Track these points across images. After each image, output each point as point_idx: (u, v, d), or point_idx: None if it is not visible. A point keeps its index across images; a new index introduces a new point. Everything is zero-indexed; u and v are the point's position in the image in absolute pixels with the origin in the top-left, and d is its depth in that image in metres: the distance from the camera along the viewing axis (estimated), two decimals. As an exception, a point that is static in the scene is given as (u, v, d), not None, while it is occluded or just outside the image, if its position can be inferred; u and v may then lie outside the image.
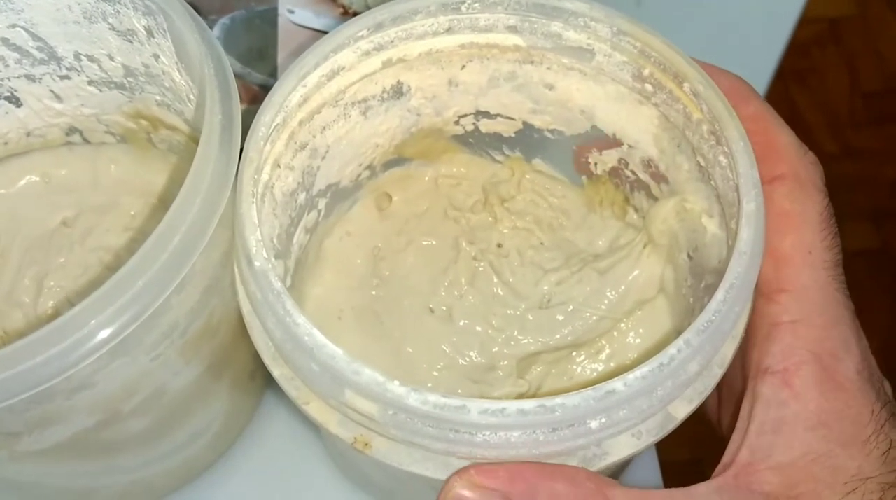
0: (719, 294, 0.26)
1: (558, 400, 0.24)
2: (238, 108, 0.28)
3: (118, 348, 0.25)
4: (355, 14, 0.48)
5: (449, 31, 0.33)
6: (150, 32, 0.32)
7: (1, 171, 0.39)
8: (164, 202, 0.39)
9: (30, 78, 0.36)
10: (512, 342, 0.37)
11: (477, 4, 0.32)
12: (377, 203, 0.39)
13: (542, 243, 0.39)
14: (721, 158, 0.30)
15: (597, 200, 0.39)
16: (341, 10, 0.48)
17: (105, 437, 0.30)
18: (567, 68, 0.35)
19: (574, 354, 0.37)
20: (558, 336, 0.37)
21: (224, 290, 0.30)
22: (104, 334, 0.24)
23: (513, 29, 0.33)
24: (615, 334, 0.37)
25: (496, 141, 0.39)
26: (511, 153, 0.39)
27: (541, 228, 0.39)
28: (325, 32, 0.48)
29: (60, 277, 0.38)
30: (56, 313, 0.37)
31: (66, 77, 0.36)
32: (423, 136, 0.38)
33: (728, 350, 0.28)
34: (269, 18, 0.48)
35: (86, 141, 0.40)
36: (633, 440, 0.27)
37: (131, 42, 0.34)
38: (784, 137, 0.30)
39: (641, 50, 0.32)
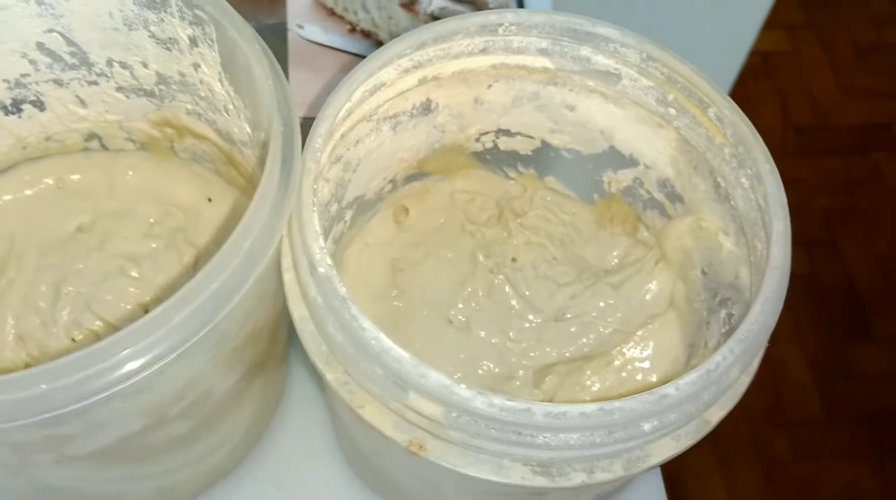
0: (756, 306, 0.28)
1: (617, 404, 0.25)
2: (297, 118, 0.29)
3: (182, 353, 0.26)
4: (363, 31, 0.49)
5: (483, 51, 0.35)
6: (193, 42, 0.33)
7: (17, 174, 0.39)
8: (185, 211, 0.40)
9: (58, 82, 0.36)
10: (529, 353, 0.38)
11: (514, 27, 0.34)
12: (395, 216, 0.40)
13: (554, 258, 0.40)
14: (743, 180, 0.32)
15: (607, 217, 0.41)
16: (349, 26, 0.49)
17: (147, 441, 0.30)
18: (589, 90, 0.36)
19: (586, 365, 0.38)
20: (573, 348, 0.39)
21: (268, 295, 0.31)
22: (174, 340, 0.25)
23: (544, 52, 0.35)
24: (627, 346, 0.38)
25: (512, 158, 0.40)
26: (525, 170, 0.41)
27: (553, 243, 0.41)
28: (332, 48, 0.49)
29: (78, 283, 0.38)
30: (74, 320, 0.37)
31: (95, 83, 0.36)
32: (445, 151, 0.39)
33: (756, 360, 0.30)
34: (279, 32, 0.48)
35: (104, 147, 0.40)
36: (673, 443, 0.28)
37: (170, 50, 0.34)
38: None
39: (668, 76, 0.34)
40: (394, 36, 0.50)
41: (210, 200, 0.40)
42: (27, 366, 0.36)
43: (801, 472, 0.98)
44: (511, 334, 0.39)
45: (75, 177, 0.40)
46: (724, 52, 0.95)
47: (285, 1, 0.49)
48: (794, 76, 1.38)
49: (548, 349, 0.38)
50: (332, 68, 0.48)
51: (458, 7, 0.51)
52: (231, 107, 0.34)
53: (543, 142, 0.39)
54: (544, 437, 0.25)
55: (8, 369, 0.36)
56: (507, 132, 0.39)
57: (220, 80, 0.33)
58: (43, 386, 0.23)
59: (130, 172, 0.40)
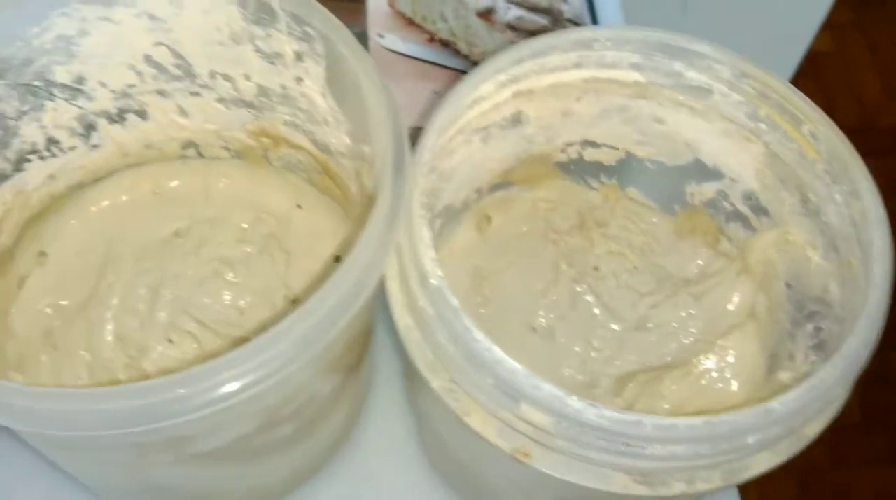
0: (861, 322, 0.28)
1: (724, 417, 0.26)
2: (406, 132, 0.30)
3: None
4: (442, 41, 0.50)
5: (577, 66, 0.36)
6: (299, 57, 0.34)
7: (116, 181, 0.40)
8: (276, 218, 0.41)
9: (161, 93, 0.37)
10: (611, 362, 0.39)
11: (609, 42, 0.35)
12: (478, 225, 0.41)
13: (635, 267, 0.41)
14: (837, 195, 0.33)
15: (688, 228, 0.41)
16: (428, 36, 0.50)
17: (255, 442, 0.31)
18: (678, 104, 0.37)
19: (666, 375, 0.39)
20: (654, 357, 0.39)
21: (370, 303, 0.32)
22: (298, 351, 0.26)
23: (636, 66, 0.36)
24: (706, 356, 0.39)
25: (595, 169, 0.41)
26: (607, 181, 0.42)
27: (634, 252, 0.41)
28: (411, 58, 0.50)
29: (175, 286, 0.39)
30: (171, 322, 0.38)
31: (197, 94, 0.38)
32: (531, 161, 0.40)
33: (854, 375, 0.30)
34: (360, 41, 0.49)
35: (200, 155, 0.41)
36: (772, 455, 0.29)
37: (274, 64, 0.35)
38: None
39: (761, 92, 0.34)
40: (472, 46, 0.51)
41: (300, 207, 0.41)
42: (126, 366, 0.38)
43: (836, 480, 0.98)
44: (594, 342, 0.39)
45: (172, 184, 0.41)
46: (780, 54, 0.95)
47: (366, 11, 0.50)
48: (841, 77, 1.37)
49: (630, 358, 0.39)
50: (412, 76, 0.49)
51: (535, 17, 0.52)
52: (331, 119, 0.35)
53: (628, 153, 0.40)
54: (652, 448, 0.26)
55: (107, 368, 0.38)
56: (592, 143, 0.40)
57: (323, 94, 0.34)
58: (181, 391, 0.24)
59: (225, 180, 0.41)
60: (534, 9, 0.52)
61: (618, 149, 0.40)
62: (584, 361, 0.39)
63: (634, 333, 0.39)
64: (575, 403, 0.26)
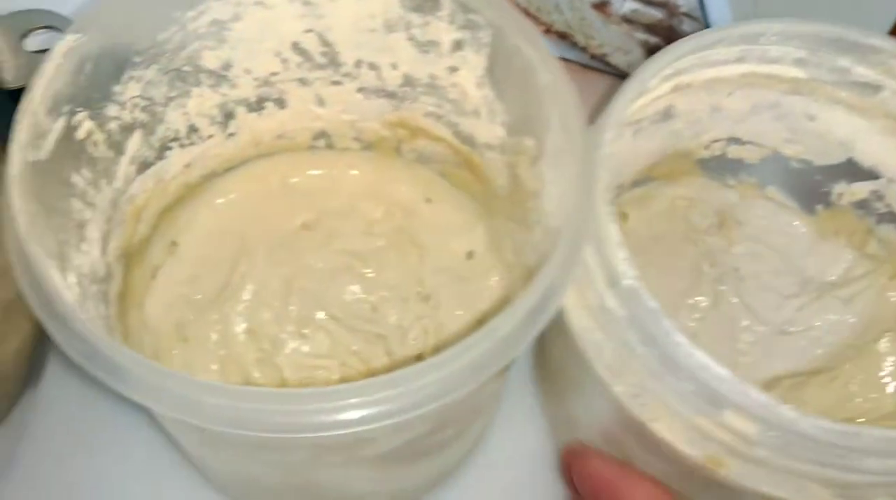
0: None
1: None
2: (585, 127, 0.29)
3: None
4: (558, 33, 0.49)
5: (739, 60, 0.34)
6: (457, 45, 0.33)
7: (247, 171, 0.39)
8: (404, 210, 0.40)
9: (302, 82, 0.36)
10: (757, 366, 0.38)
11: (775, 37, 0.33)
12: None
13: (776, 269, 0.40)
14: None
15: (831, 229, 0.40)
16: (544, 27, 0.49)
17: (421, 444, 0.30)
18: (835, 101, 0.36)
19: (810, 380, 0.37)
20: (801, 362, 0.38)
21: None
22: (496, 358, 0.25)
23: (799, 62, 0.34)
24: (855, 362, 0.38)
25: (736, 166, 0.40)
26: (747, 179, 0.40)
27: (774, 253, 0.40)
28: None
29: (308, 279, 0.38)
30: (305, 315, 0.37)
31: (338, 83, 0.37)
32: (674, 157, 0.39)
33: None
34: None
35: (329, 146, 0.40)
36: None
37: (427, 53, 0.34)
38: None
39: (937, 90, 0.33)
40: (589, 38, 0.50)
41: (429, 200, 0.40)
42: (258, 361, 0.37)
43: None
44: (739, 345, 0.38)
45: (300, 175, 0.40)
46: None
47: (481, 0, 0.49)
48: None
49: (775, 362, 0.38)
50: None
51: (650, 10, 0.50)
52: (484, 110, 0.34)
53: (774, 151, 0.39)
54: (868, 462, 0.25)
55: (239, 363, 0.37)
56: (738, 140, 0.38)
57: (479, 84, 0.33)
58: (400, 389, 0.23)
59: (353, 171, 0.40)
60: (649, 2, 0.51)
61: (763, 146, 0.39)
62: (730, 365, 0.38)
63: (780, 337, 0.38)
64: (787, 412, 0.25)
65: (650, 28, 0.50)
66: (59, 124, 0.28)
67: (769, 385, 0.37)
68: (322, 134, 0.39)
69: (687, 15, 0.51)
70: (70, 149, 0.29)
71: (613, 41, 0.49)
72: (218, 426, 0.24)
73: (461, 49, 0.33)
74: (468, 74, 0.34)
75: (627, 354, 0.27)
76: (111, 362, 0.23)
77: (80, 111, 0.29)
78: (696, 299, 0.39)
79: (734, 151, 0.39)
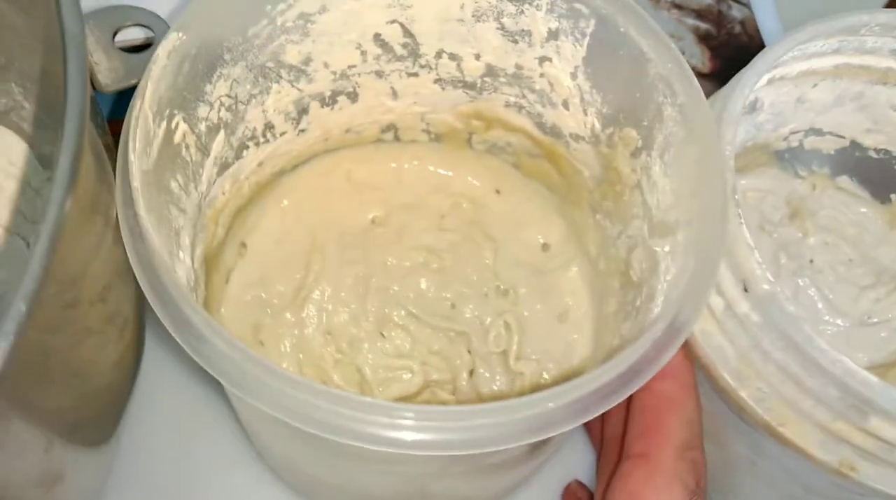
0: None
1: None
2: (710, 116, 0.28)
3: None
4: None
5: (836, 51, 0.34)
6: (553, 35, 0.32)
7: (313, 167, 0.38)
8: (473, 202, 0.39)
9: (378, 74, 0.35)
10: (839, 358, 0.38)
11: (878, 27, 0.33)
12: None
13: (850, 260, 0.40)
14: None
15: (903, 219, 0.40)
16: None
17: (532, 451, 0.29)
18: (921, 91, 0.35)
19: (889, 372, 0.37)
20: (882, 354, 0.38)
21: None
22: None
23: (895, 52, 0.34)
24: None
25: (810, 157, 0.39)
26: (818, 170, 0.40)
27: (847, 243, 0.40)
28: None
29: (384, 277, 0.37)
30: (383, 315, 0.36)
31: (414, 75, 0.35)
32: (753, 149, 0.38)
33: None
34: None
35: (397, 139, 0.39)
36: None
37: (516, 43, 0.33)
38: (674, 425, 0.28)
39: None
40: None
41: (499, 192, 0.39)
42: (337, 363, 0.36)
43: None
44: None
45: (365, 169, 0.39)
46: None
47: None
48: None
49: (858, 355, 0.38)
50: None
51: (699, -8, 0.50)
52: (577, 101, 0.33)
53: (853, 142, 0.38)
54: None
55: (317, 366, 0.35)
56: (818, 132, 0.38)
57: (574, 74, 0.32)
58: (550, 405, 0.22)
59: (417, 163, 0.39)
60: (696, -15, 0.50)
61: (843, 137, 0.38)
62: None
63: (860, 329, 0.38)
64: (938, 418, 0.24)
65: (700, 14, 0.50)
66: (162, 129, 0.26)
67: (849, 377, 0.37)
68: (391, 127, 0.38)
69: (736, 0, 0.50)
70: (169, 154, 0.27)
71: (665, 27, 0.48)
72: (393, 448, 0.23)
73: (556, 39, 0.32)
74: (561, 65, 0.32)
75: (759, 359, 0.27)
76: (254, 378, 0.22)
77: (178, 114, 0.27)
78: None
79: (811, 142, 0.38)
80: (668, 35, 0.48)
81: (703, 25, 0.49)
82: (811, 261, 0.39)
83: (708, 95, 0.29)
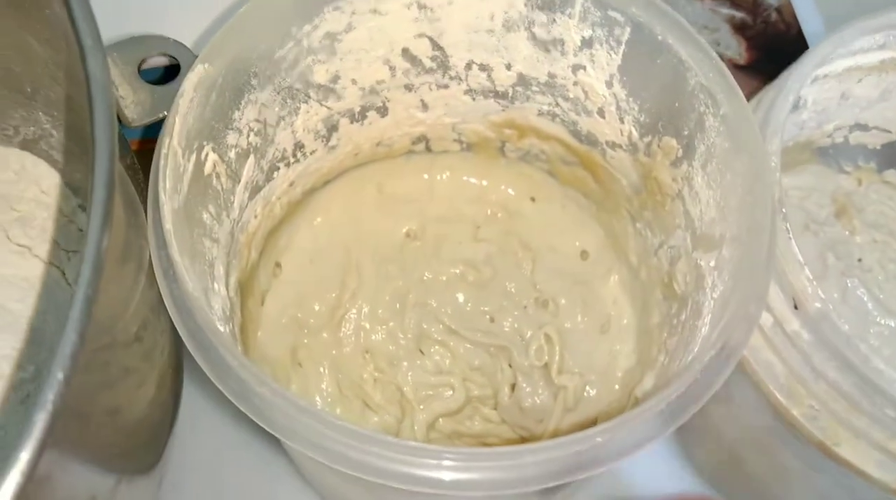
0: None
1: None
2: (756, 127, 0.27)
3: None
4: None
5: (882, 47, 0.32)
6: (587, 43, 0.31)
7: (344, 183, 0.37)
8: (508, 211, 0.38)
9: (407, 87, 0.34)
10: (892, 361, 0.36)
11: (923, 21, 0.31)
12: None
13: (900, 257, 0.38)
14: None
15: (954, 212, 0.38)
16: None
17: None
18: (971, 82, 0.34)
19: (943, 370, 0.36)
20: (937, 354, 0.37)
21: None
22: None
23: (942, 44, 0.32)
24: None
25: (855, 152, 0.38)
26: (865, 164, 0.39)
27: (896, 240, 0.38)
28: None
29: (421, 292, 0.36)
30: (422, 331, 0.36)
31: (444, 86, 0.34)
32: (795, 148, 0.37)
33: None
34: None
35: (428, 149, 0.38)
36: None
37: (548, 52, 0.32)
38: None
39: None
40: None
41: (534, 199, 0.38)
42: (377, 382, 0.35)
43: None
44: (870, 340, 0.37)
45: (397, 182, 0.38)
46: None
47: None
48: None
49: (910, 356, 0.37)
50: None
51: (733, -20, 0.48)
52: (612, 109, 0.32)
53: (899, 135, 0.37)
54: None
55: (357, 385, 0.35)
56: (863, 127, 0.37)
57: (609, 83, 0.31)
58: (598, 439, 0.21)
59: (450, 174, 0.38)
60: (730, -28, 0.49)
61: (889, 132, 0.37)
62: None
63: (912, 328, 0.37)
64: None
65: (735, 3, 0.48)
66: (192, 162, 0.26)
67: (903, 379, 0.36)
68: (421, 138, 0.37)
69: (770, -14, 0.48)
70: (199, 186, 0.27)
71: (699, 19, 0.47)
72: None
73: (590, 47, 0.31)
74: (595, 73, 0.31)
75: (811, 377, 0.26)
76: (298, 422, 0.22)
77: (207, 145, 0.27)
78: (825, 291, 0.37)
79: (857, 138, 0.37)
80: (702, 26, 0.47)
81: (739, 14, 0.48)
82: (859, 260, 0.38)
83: (745, 88, 0.28)
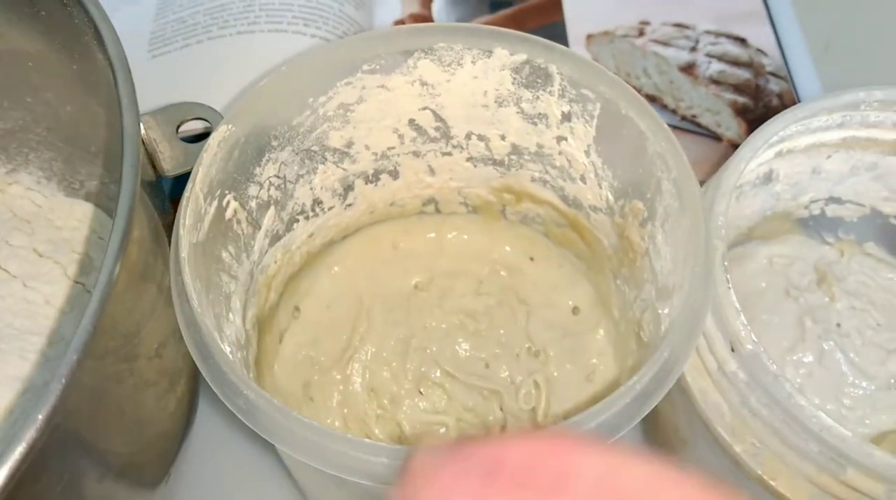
0: None
1: None
2: (698, 190, 0.30)
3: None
4: (648, 96, 0.50)
5: (840, 126, 0.36)
6: (566, 117, 0.35)
7: (362, 238, 0.42)
8: (509, 269, 0.42)
9: (415, 154, 0.39)
10: (864, 421, 0.38)
11: (877, 103, 0.35)
12: (711, 279, 0.41)
13: (879, 324, 0.40)
14: None
15: (932, 284, 0.40)
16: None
17: None
18: (934, 161, 0.36)
19: (918, 434, 0.38)
20: (910, 416, 0.38)
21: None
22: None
23: (899, 125, 0.35)
24: (965, 416, 0.38)
25: (834, 224, 0.41)
26: (845, 236, 0.41)
27: (875, 308, 0.41)
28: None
29: (425, 338, 0.40)
30: (422, 373, 0.39)
31: (448, 154, 0.39)
32: (774, 218, 0.40)
33: None
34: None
35: (437, 211, 0.42)
36: None
37: (535, 124, 0.36)
38: None
39: None
40: (678, 100, 0.51)
41: (532, 259, 0.42)
42: (379, 418, 0.39)
43: None
44: (845, 401, 0.39)
45: (410, 239, 0.42)
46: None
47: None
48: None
49: (883, 417, 0.38)
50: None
51: (737, 70, 0.52)
52: (592, 176, 0.36)
53: (873, 209, 0.39)
54: None
55: (361, 420, 0.39)
56: (837, 200, 0.40)
57: (587, 152, 0.35)
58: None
59: (457, 233, 0.42)
60: (735, 63, 0.53)
61: (863, 205, 0.40)
62: (837, 420, 0.38)
63: (887, 392, 0.39)
64: (913, 472, 0.26)
65: (738, 88, 0.52)
66: (213, 207, 0.30)
67: (876, 441, 0.38)
68: (431, 200, 0.42)
69: (773, 74, 0.52)
70: (220, 228, 0.31)
71: (702, 102, 0.51)
72: None
73: (569, 120, 0.35)
74: (576, 143, 0.35)
75: (748, 415, 0.29)
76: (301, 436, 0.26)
77: (228, 194, 0.32)
78: (801, 355, 0.39)
79: (833, 210, 0.40)
80: (706, 109, 0.51)
81: (741, 99, 0.51)
82: (838, 325, 0.40)
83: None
